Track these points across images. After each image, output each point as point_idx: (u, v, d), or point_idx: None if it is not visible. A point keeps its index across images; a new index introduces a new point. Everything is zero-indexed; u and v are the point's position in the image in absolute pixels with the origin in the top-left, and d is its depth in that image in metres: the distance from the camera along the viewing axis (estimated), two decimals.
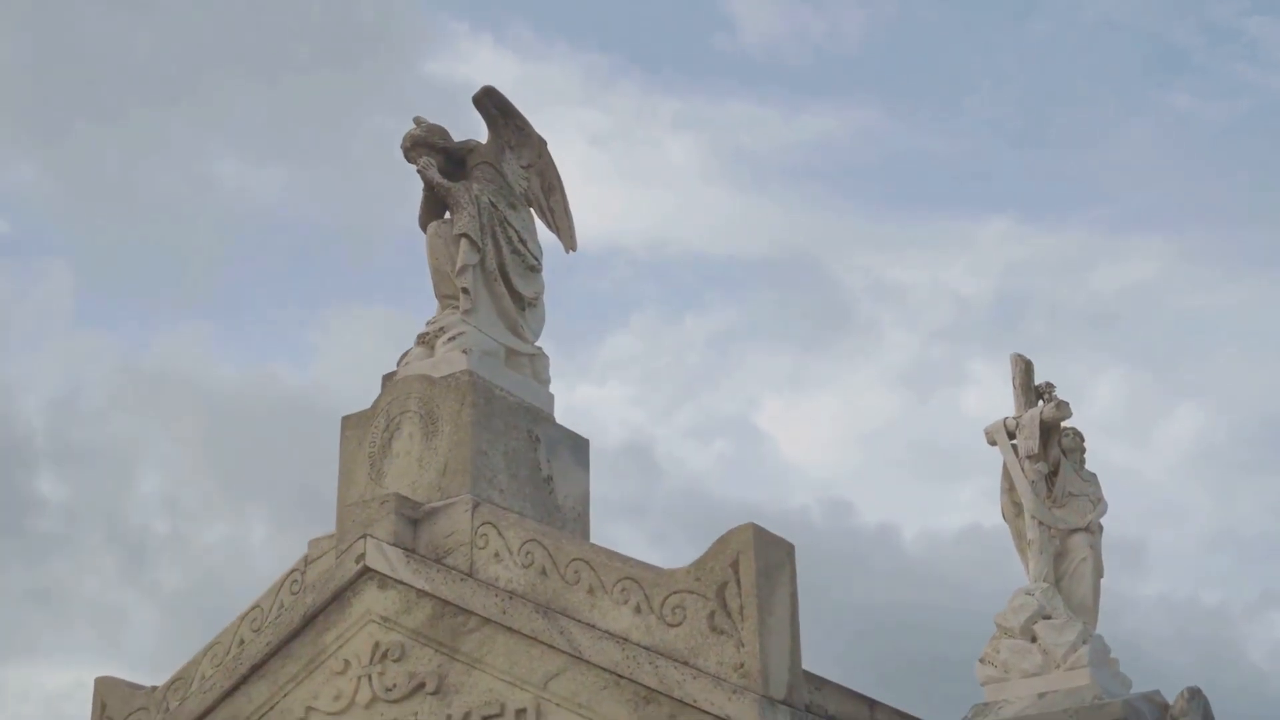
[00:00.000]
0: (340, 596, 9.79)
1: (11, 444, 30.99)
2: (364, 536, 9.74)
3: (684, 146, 41.95)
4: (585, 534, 10.49)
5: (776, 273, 41.58)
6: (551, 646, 8.94)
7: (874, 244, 41.48)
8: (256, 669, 9.94)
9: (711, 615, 8.66)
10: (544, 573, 9.26)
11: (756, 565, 8.62)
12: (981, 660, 16.80)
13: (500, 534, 9.49)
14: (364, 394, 10.55)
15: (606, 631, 8.88)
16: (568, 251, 11.14)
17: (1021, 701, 16.29)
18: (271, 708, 9.85)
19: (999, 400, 17.56)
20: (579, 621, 8.96)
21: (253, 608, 10.18)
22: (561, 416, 10.65)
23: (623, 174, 41.28)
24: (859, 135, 41.59)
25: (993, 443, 17.43)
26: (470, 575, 9.43)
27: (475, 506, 9.65)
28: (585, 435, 10.75)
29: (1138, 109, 42.03)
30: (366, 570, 9.71)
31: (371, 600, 9.69)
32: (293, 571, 10.12)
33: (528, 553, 9.34)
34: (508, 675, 9.07)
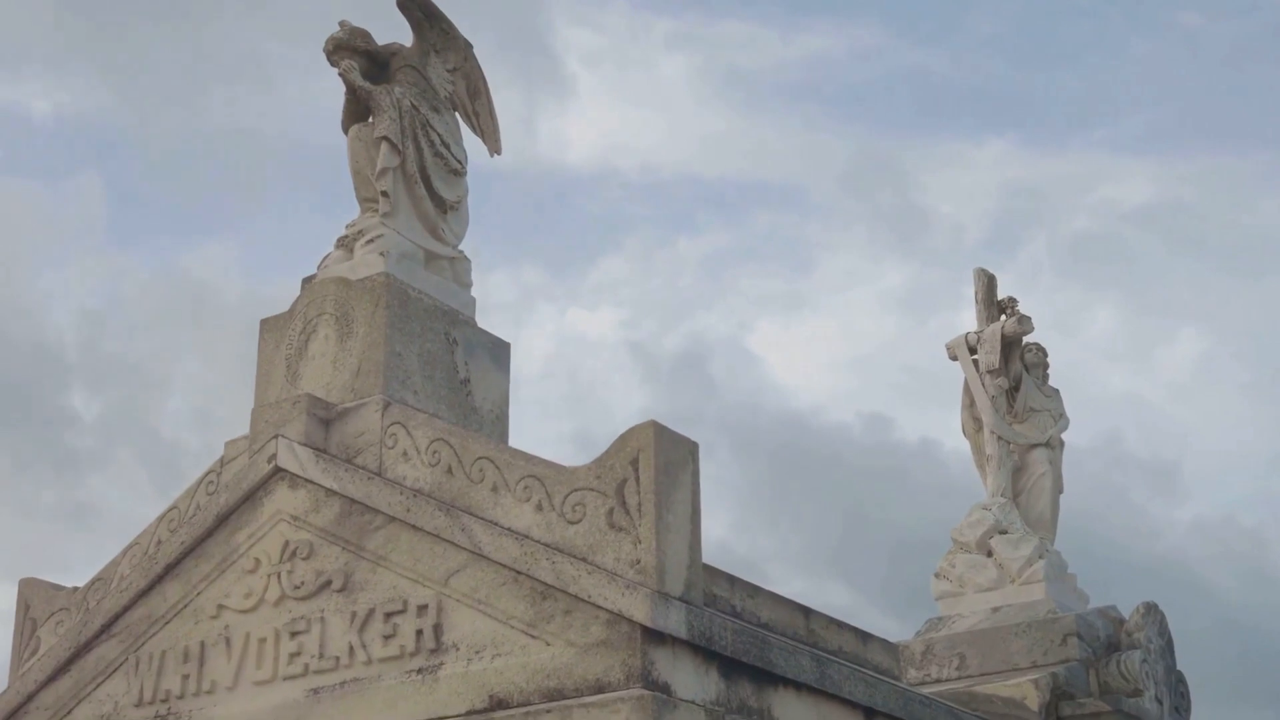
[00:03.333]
0: (253, 496, 9.81)
1: (44, 359, 31.13)
2: (276, 437, 9.75)
3: (676, 66, 41.76)
4: (504, 436, 10.50)
5: (770, 194, 41.48)
6: (453, 543, 8.96)
7: (870, 165, 41.32)
8: (171, 568, 9.98)
9: (610, 512, 8.66)
10: (450, 471, 9.27)
11: (656, 462, 8.61)
12: (937, 575, 16.87)
13: (409, 433, 9.49)
14: None
15: (509, 529, 8.89)
16: (492, 155, 11.12)
17: (976, 615, 16.35)
18: (185, 606, 9.89)
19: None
20: (481, 519, 8.96)
21: (170, 509, 10.21)
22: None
23: (615, 95, 41.14)
24: (857, 54, 41.39)
25: (954, 357, 17.44)
26: (379, 474, 9.44)
27: (386, 407, 9.65)
28: (506, 339, 10.75)
29: (1143, 27, 41.70)
30: (278, 470, 9.73)
31: (282, 500, 9.71)
32: (209, 472, 10.14)
33: (434, 452, 9.35)
34: (411, 572, 9.09)
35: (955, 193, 41.24)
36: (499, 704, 8.54)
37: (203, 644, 9.71)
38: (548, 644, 8.54)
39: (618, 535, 8.60)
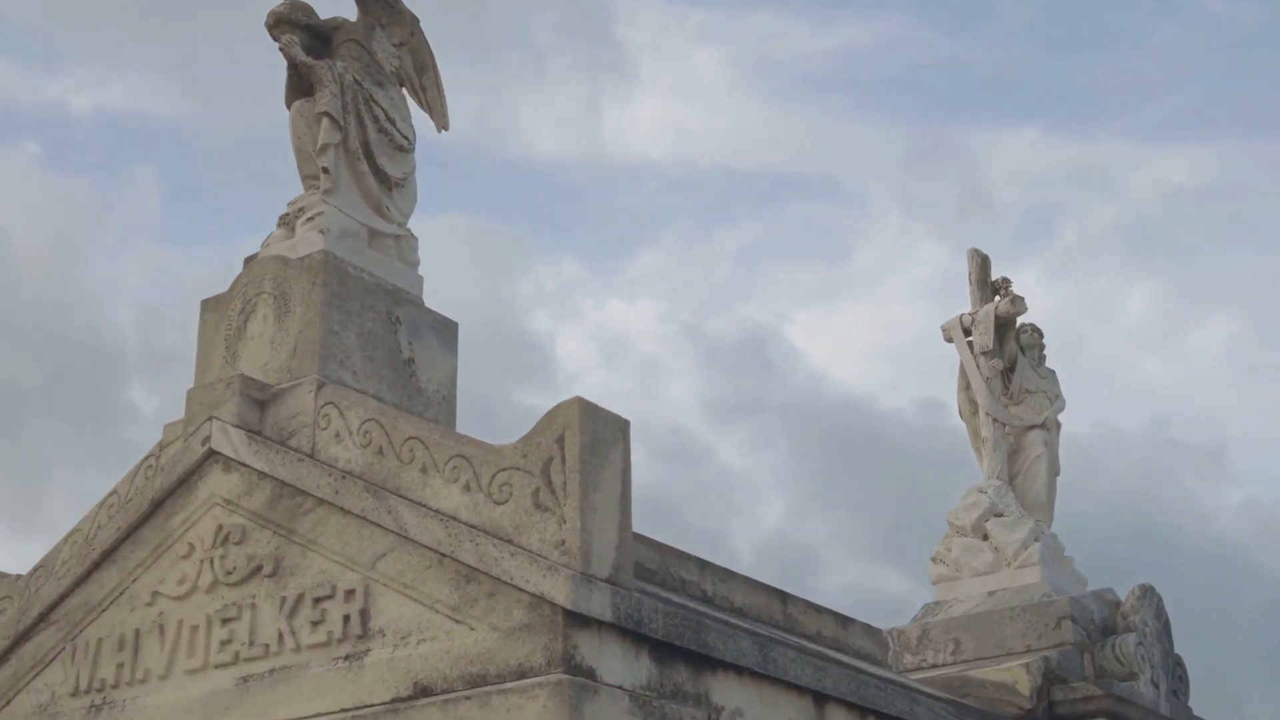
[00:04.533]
0: (188, 480, 9.62)
1: (103, 354, 31.16)
2: (210, 419, 9.56)
3: (710, 59, 41.49)
4: (451, 417, 10.28)
5: (804, 185, 41.15)
6: (380, 526, 8.74)
7: (903, 154, 40.92)
8: (108, 554, 9.80)
9: (536, 492, 8.41)
10: (380, 452, 9.05)
11: (581, 440, 8.35)
12: (934, 559, 16.56)
13: (341, 414, 9.28)
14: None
15: (437, 510, 8.66)
16: (439, 130, 10.88)
17: (972, 600, 16.05)
18: (121, 593, 9.71)
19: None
20: (408, 500, 8.74)
21: (110, 494, 10.03)
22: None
23: (650, 88, 40.89)
24: (887, 44, 41.01)
25: (949, 339, 17.12)
26: (311, 456, 9.24)
27: (320, 387, 9.44)
28: (454, 319, 10.51)
29: (1169, 13, 41.16)
30: (212, 453, 9.53)
31: (216, 483, 9.51)
32: (148, 456, 9.96)
33: (366, 432, 9.13)
34: (340, 556, 8.88)
35: (989, 179, 40.79)
36: (423, 691, 8.31)
37: (138, 631, 9.53)
38: (472, 628, 8.31)
39: (543, 516, 8.36)
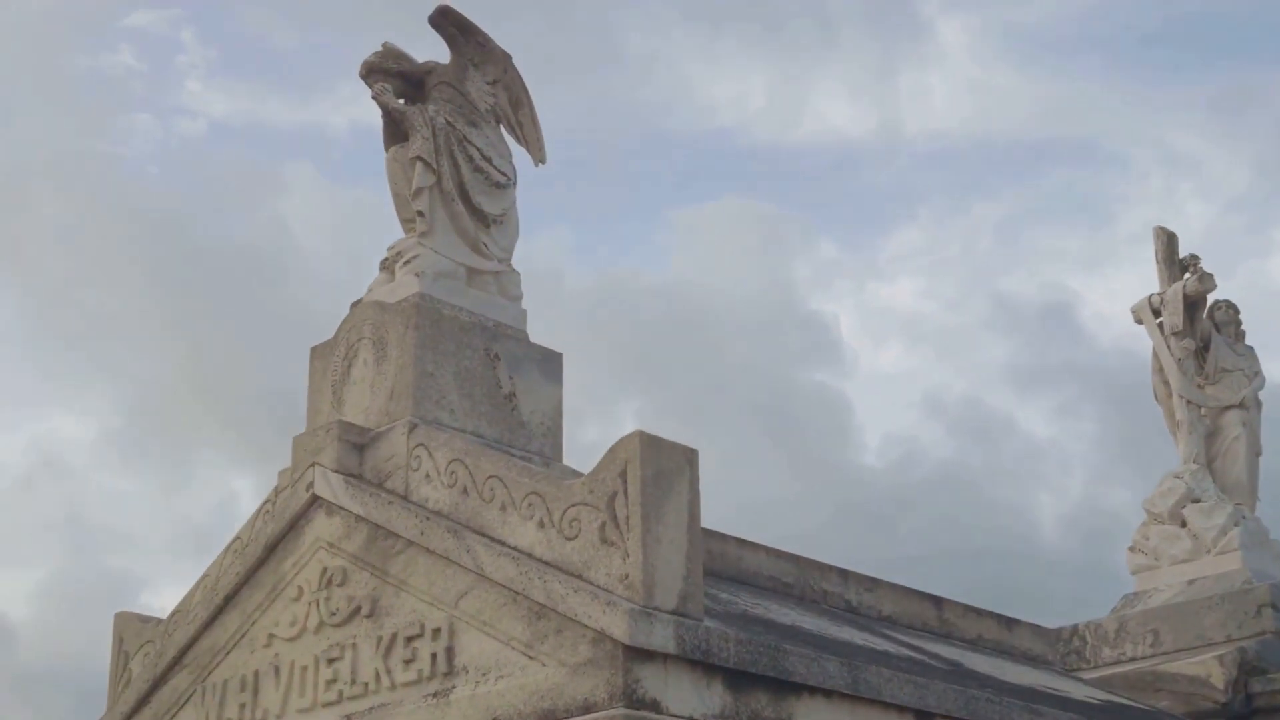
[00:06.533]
0: (296, 525, 9.94)
1: None
2: (312, 465, 9.86)
3: (954, 28, 40.93)
4: (557, 448, 10.42)
5: (1061, 150, 40.32)
6: (460, 565, 8.92)
7: (1161, 111, 39.81)
8: (230, 598, 10.18)
9: (602, 527, 8.51)
10: (465, 491, 9.24)
11: (643, 474, 8.41)
12: (1131, 548, 16.15)
13: (430, 455, 9.49)
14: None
15: (514, 548, 8.82)
16: (536, 164, 11.01)
17: (1171, 590, 15.61)
18: (242, 636, 10.07)
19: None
20: (487, 538, 8.91)
21: (234, 539, 10.41)
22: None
23: (896, 62, 40.52)
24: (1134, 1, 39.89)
25: (1139, 321, 16.64)
26: (404, 497, 9.47)
27: (412, 429, 9.66)
28: (557, 350, 10.64)
29: None
30: (315, 498, 9.83)
31: (320, 527, 9.81)
32: (266, 502, 10.31)
33: (452, 472, 9.33)
34: (427, 595, 9.09)
35: (1252, 134, 39.41)
36: None
37: (256, 673, 9.88)
38: (543, 664, 8.44)
39: (609, 550, 8.45)
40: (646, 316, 35.54)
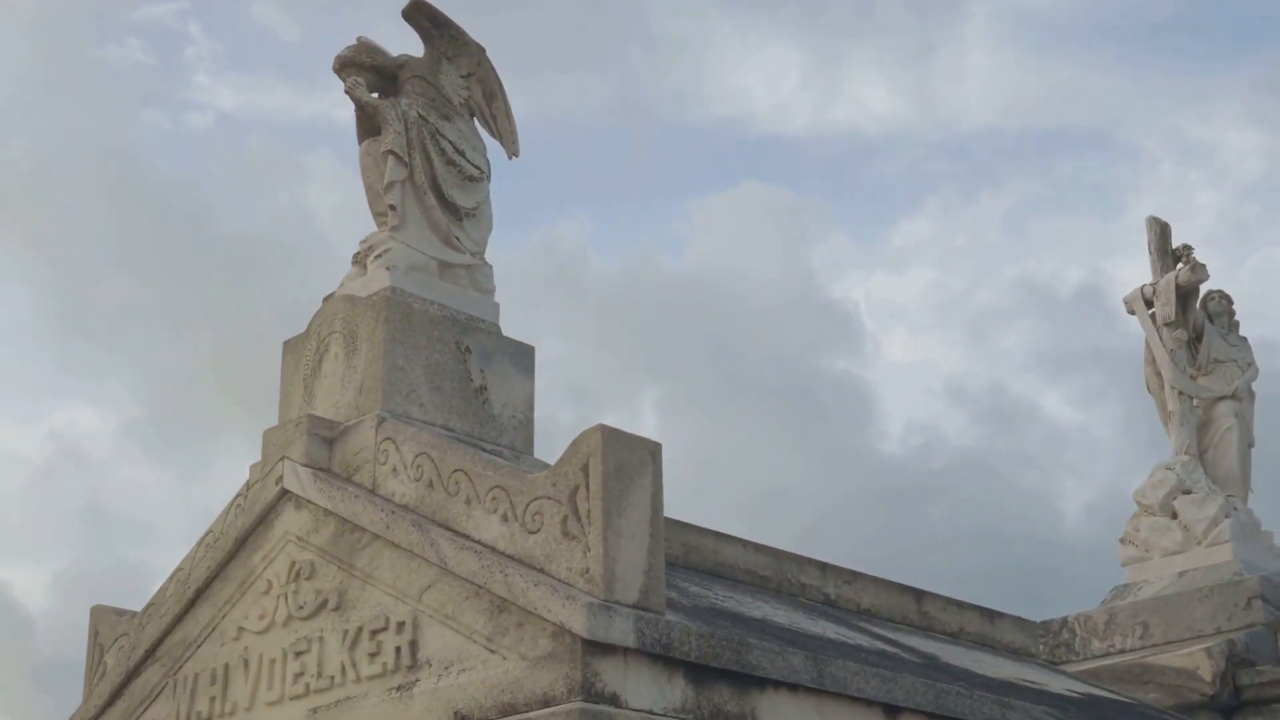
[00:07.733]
0: (266, 519, 9.95)
1: None
2: (282, 459, 9.87)
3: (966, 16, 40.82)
4: (528, 441, 10.41)
5: (1072, 140, 40.20)
6: (425, 559, 8.92)
7: (1176, 100, 39.67)
8: (201, 592, 10.19)
9: (564, 520, 8.50)
10: (431, 485, 9.24)
11: (605, 467, 8.40)
12: (1122, 540, 16.10)
13: (398, 448, 9.49)
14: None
15: (479, 541, 8.82)
16: (510, 157, 11.01)
17: (1161, 581, 15.57)
18: (213, 630, 10.08)
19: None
20: (451, 532, 8.91)
21: (207, 533, 10.42)
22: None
23: (907, 52, 40.44)
24: None
25: (1131, 312, 16.60)
26: (372, 491, 9.47)
27: (380, 423, 9.67)
28: (529, 343, 10.63)
29: None
30: (285, 492, 9.84)
31: (289, 521, 9.82)
32: (237, 497, 10.32)
33: (419, 466, 9.33)
34: (392, 589, 9.09)
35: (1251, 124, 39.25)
36: None
37: (226, 666, 9.89)
38: (504, 658, 8.43)
39: (570, 544, 8.44)
40: (668, 303, 35.60)
